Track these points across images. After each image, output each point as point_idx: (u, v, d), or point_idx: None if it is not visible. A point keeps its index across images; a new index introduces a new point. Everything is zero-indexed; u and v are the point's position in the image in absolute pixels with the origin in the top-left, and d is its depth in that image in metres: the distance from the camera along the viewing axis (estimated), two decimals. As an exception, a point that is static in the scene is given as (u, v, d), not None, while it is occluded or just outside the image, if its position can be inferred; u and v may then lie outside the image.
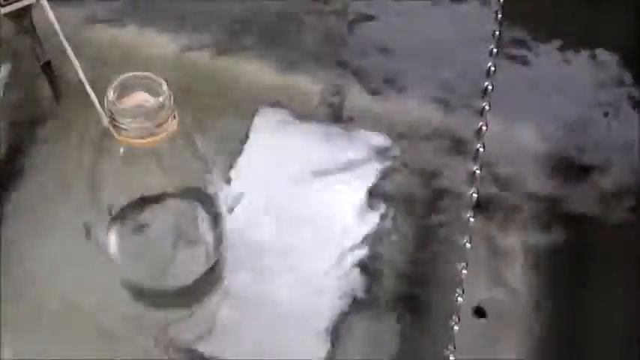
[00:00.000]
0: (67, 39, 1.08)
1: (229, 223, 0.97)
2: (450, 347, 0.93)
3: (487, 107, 1.06)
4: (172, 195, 0.80)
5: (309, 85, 1.16)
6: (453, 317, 0.94)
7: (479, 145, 1.04)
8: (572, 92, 1.17)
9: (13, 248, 1.02)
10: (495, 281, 0.99)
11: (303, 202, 1.05)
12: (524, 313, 0.97)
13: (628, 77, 1.17)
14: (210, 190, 0.84)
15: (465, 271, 0.96)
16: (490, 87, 1.07)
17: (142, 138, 0.67)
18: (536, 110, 1.12)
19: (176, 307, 0.96)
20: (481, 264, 1.01)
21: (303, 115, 1.13)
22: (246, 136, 1.11)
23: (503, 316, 0.97)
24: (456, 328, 0.94)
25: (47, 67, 1.13)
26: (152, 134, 0.67)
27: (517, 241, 1.01)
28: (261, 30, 1.25)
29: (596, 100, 1.14)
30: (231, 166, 1.08)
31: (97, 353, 0.95)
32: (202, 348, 0.94)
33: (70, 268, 1.00)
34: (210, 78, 1.19)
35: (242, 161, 1.08)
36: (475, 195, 1.00)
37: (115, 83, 0.68)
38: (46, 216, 1.04)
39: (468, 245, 0.97)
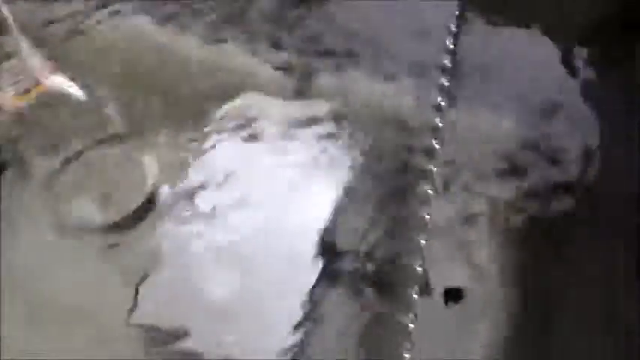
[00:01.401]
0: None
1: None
2: (411, 316, 0.94)
3: (446, 84, 1.07)
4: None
5: (275, 67, 1.15)
6: (415, 288, 0.95)
7: (438, 121, 1.05)
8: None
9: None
10: (466, 262, 1.00)
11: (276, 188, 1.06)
12: (496, 292, 0.98)
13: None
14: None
15: (423, 242, 0.97)
16: (450, 64, 1.09)
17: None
18: (504, 95, 1.14)
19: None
20: (452, 244, 1.02)
21: (271, 98, 1.13)
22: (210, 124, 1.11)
23: (477, 297, 0.98)
24: (415, 296, 0.95)
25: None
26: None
27: (486, 220, 1.02)
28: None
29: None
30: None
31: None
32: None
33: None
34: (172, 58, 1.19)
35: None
36: (434, 169, 1.01)
37: None
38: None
39: (427, 216, 0.98)
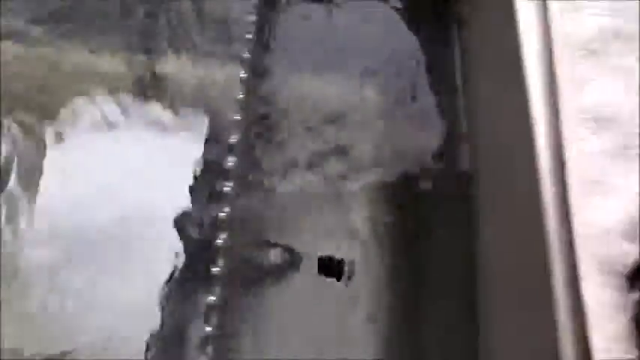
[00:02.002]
0: None
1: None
2: (215, 290, 0.92)
3: (248, 56, 1.06)
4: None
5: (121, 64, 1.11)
6: (217, 261, 0.94)
7: (241, 94, 1.04)
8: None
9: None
10: (345, 237, 1.00)
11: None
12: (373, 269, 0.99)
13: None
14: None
15: (223, 214, 0.95)
16: (251, 36, 1.08)
17: None
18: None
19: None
20: (330, 221, 1.02)
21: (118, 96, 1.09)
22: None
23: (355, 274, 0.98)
24: (216, 269, 0.93)
25: None
26: None
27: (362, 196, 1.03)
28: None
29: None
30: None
31: None
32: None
33: None
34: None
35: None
36: (234, 141, 1.00)
37: None
38: None
39: (228, 189, 0.96)
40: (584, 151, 0.76)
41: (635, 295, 0.64)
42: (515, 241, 0.85)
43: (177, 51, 1.13)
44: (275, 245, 1.00)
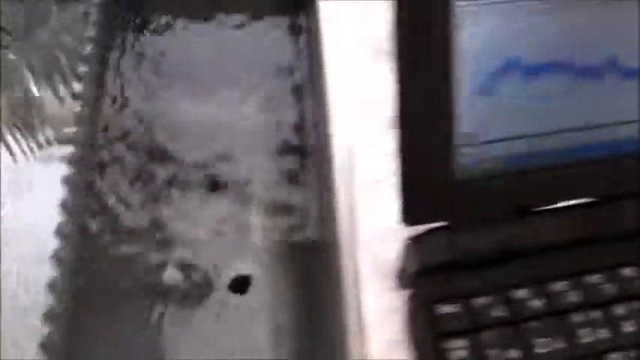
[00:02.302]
0: None
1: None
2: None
3: (81, 88, 1.05)
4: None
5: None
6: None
7: (74, 127, 1.03)
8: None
9: None
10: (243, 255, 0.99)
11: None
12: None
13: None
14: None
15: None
16: (87, 69, 1.07)
17: None
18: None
19: None
20: (228, 241, 1.01)
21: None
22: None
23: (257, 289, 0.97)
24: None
25: None
26: None
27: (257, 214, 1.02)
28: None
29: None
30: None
31: None
32: None
33: None
34: None
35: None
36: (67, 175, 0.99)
37: None
38: None
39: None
40: (373, 151, 0.75)
41: (404, 294, 0.64)
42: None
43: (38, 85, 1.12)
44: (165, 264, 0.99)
